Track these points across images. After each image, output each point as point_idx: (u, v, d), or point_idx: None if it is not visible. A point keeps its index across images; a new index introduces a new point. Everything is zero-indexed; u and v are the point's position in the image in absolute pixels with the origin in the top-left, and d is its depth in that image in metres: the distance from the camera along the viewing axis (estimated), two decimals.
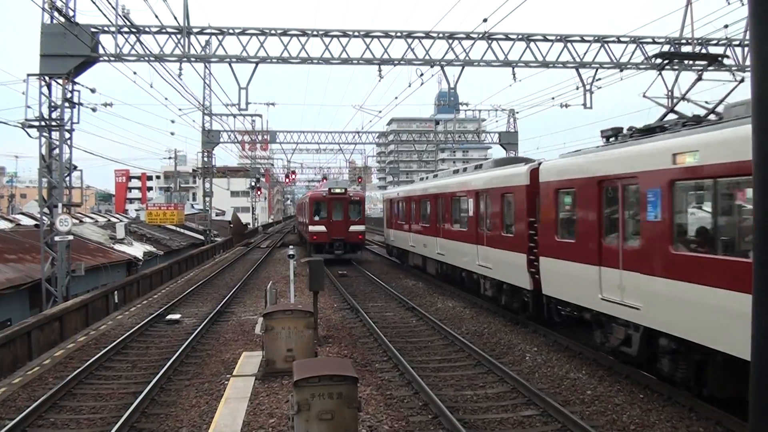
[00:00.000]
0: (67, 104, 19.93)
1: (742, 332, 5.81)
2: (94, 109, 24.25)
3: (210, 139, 44.45)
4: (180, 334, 14.53)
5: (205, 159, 45.56)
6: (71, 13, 19.41)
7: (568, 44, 22.62)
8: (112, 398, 9.82)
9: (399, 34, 22.03)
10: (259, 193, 71.22)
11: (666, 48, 22.57)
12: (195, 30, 21.08)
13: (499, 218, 15.42)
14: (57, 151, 19.82)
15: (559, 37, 22.60)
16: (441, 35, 22.29)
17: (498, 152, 56.80)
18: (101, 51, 20.34)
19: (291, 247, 17.39)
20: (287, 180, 78.22)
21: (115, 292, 20.59)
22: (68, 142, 20.09)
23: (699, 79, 10.80)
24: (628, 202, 9.74)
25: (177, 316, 16.60)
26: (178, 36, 20.74)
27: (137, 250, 33.71)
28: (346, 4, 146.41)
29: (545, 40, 22.58)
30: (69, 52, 19.34)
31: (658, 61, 15.00)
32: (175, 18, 20.40)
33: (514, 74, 22.81)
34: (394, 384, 10.28)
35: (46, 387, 10.34)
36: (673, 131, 9.11)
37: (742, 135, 7.12)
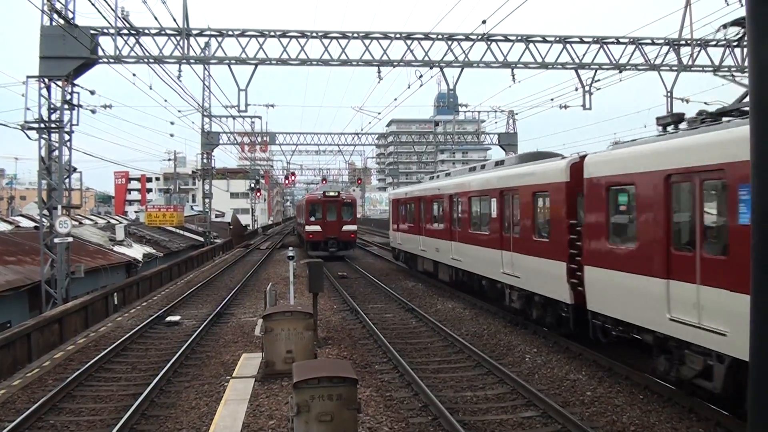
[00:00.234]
0: (66, 106, 19.90)
1: None
2: (93, 111, 24.39)
3: (209, 141, 44.52)
4: (180, 336, 14.54)
5: (205, 161, 45.63)
6: (70, 15, 19.40)
7: (567, 45, 22.64)
8: (112, 400, 9.83)
9: (398, 35, 22.03)
10: (258, 194, 71.21)
11: (665, 49, 22.61)
12: (194, 32, 21.10)
13: (530, 220, 13.52)
14: (56, 153, 19.80)
15: (558, 39, 22.61)
16: (440, 36, 22.30)
17: (498, 153, 56.81)
18: (100, 53, 20.32)
19: (291, 248, 17.37)
20: (287, 182, 78.42)
21: (115, 294, 20.55)
22: (68, 144, 20.08)
23: None
24: (709, 200, 8.24)
25: (177, 318, 16.59)
26: (178, 38, 20.75)
27: (137, 251, 33.69)
28: (345, 5, 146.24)
29: (544, 41, 22.59)
30: (68, 54, 19.33)
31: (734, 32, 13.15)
32: (175, 20, 20.49)
33: (513, 75, 22.76)
34: (394, 385, 10.28)
35: (45, 389, 10.33)
36: None
37: None
